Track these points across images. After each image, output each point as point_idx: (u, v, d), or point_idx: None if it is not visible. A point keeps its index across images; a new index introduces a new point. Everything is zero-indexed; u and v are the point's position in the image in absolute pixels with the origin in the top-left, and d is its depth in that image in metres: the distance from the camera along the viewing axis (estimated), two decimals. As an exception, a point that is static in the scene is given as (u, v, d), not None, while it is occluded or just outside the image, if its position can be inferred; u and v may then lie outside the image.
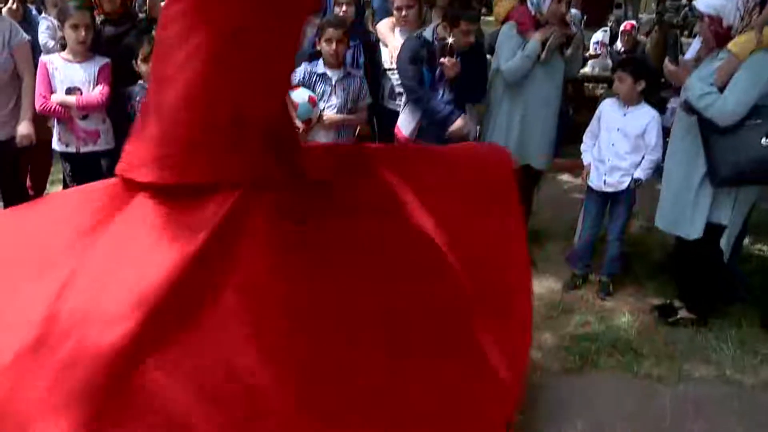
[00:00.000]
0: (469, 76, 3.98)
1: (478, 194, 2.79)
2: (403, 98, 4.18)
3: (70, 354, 1.96)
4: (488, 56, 4.51)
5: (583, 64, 7.04)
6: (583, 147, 4.25)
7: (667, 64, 3.69)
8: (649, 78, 4.04)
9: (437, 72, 3.97)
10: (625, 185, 4.02)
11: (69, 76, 3.91)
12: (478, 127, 4.33)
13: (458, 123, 3.95)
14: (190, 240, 2.11)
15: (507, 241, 2.81)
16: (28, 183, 4.61)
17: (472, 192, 2.77)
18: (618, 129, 4.02)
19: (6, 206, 4.29)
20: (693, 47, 4.34)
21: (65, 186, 4.39)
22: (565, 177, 6.18)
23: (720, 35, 3.41)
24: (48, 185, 5.02)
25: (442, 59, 3.91)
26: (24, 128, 4.00)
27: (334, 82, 4.04)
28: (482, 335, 2.51)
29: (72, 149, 4.01)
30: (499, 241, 2.77)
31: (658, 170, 4.04)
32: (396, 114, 4.31)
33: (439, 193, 2.65)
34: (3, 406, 1.97)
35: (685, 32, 10.32)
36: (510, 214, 2.88)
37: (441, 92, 4.01)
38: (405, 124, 4.10)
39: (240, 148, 2.22)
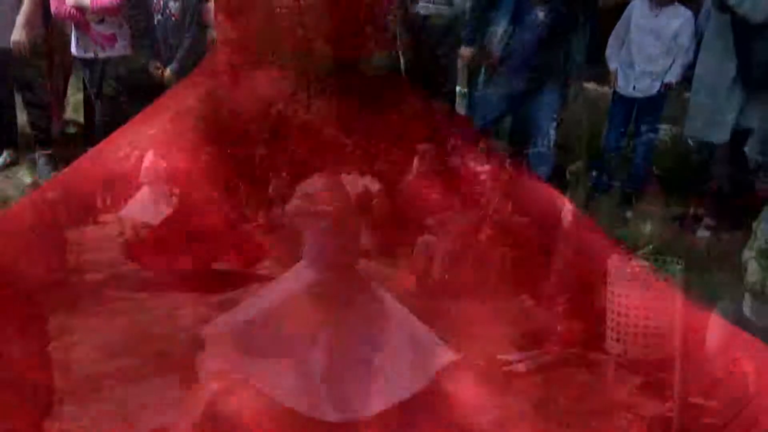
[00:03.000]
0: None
1: None
2: None
3: None
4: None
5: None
6: (608, 52, 4.11)
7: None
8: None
9: None
10: (655, 90, 3.92)
11: (83, -23, 3.83)
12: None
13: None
14: None
15: None
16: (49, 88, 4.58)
17: None
18: (650, 31, 3.87)
19: (27, 109, 4.31)
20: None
21: (85, 92, 4.38)
22: (590, 85, 6.01)
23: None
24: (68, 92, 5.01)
25: None
26: (15, 34, 3.95)
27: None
28: None
29: (90, 54, 3.98)
30: None
31: (688, 79, 3.91)
32: (424, 18, 4.16)
33: None
34: None
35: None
36: None
37: (533, 12, 3.75)
38: None
39: None
